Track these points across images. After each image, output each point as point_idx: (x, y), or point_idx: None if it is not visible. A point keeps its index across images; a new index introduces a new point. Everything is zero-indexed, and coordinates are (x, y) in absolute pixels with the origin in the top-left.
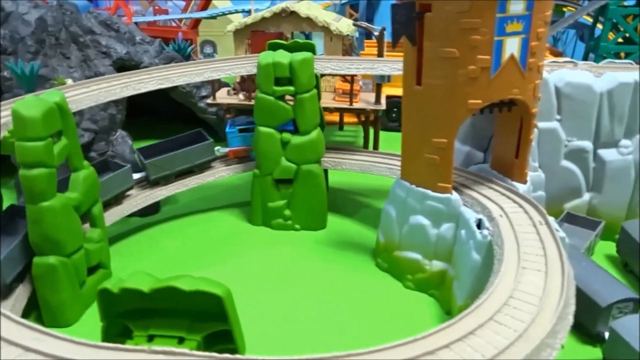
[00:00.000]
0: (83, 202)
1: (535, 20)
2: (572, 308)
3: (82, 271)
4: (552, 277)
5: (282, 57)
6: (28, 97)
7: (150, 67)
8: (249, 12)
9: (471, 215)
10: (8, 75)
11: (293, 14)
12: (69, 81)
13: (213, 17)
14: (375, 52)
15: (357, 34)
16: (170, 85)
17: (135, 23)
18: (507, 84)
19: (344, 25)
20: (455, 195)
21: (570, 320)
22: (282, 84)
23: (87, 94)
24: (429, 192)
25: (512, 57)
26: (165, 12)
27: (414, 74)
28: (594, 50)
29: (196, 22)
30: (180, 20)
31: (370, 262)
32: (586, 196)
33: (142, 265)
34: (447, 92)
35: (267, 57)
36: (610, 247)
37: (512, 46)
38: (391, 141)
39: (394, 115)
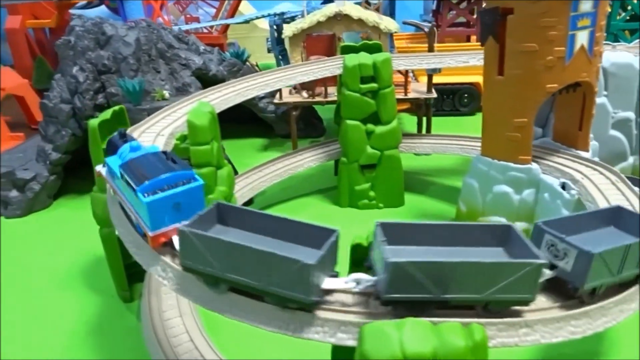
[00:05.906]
0: (228, 194)
1: (600, 15)
2: None
3: None
4: None
5: (366, 58)
6: (194, 109)
7: (251, 75)
8: (275, 15)
9: (553, 180)
10: (114, 91)
11: (346, 16)
12: (166, 94)
13: (246, 22)
14: (405, 47)
15: None
16: (270, 90)
17: None
18: (578, 70)
19: (391, 24)
20: (534, 165)
21: None
22: (366, 81)
23: (219, 99)
24: (511, 164)
25: (582, 47)
26: (197, 19)
27: (495, 66)
28: (606, 29)
29: (225, 28)
30: (210, 26)
31: None
32: (630, 159)
33: None
34: (528, 79)
35: (353, 59)
36: None
37: (582, 38)
38: (441, 125)
39: (465, 100)
